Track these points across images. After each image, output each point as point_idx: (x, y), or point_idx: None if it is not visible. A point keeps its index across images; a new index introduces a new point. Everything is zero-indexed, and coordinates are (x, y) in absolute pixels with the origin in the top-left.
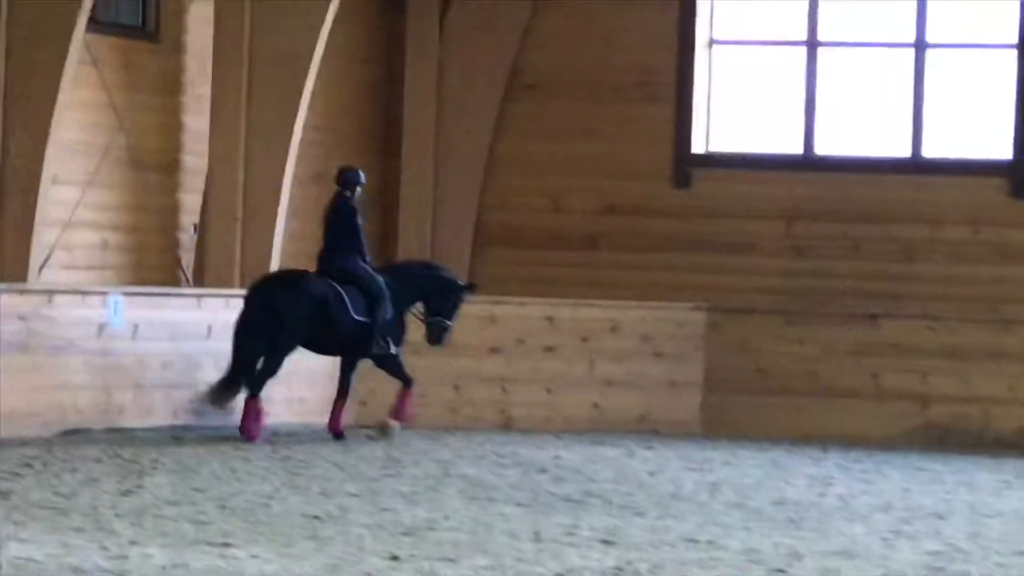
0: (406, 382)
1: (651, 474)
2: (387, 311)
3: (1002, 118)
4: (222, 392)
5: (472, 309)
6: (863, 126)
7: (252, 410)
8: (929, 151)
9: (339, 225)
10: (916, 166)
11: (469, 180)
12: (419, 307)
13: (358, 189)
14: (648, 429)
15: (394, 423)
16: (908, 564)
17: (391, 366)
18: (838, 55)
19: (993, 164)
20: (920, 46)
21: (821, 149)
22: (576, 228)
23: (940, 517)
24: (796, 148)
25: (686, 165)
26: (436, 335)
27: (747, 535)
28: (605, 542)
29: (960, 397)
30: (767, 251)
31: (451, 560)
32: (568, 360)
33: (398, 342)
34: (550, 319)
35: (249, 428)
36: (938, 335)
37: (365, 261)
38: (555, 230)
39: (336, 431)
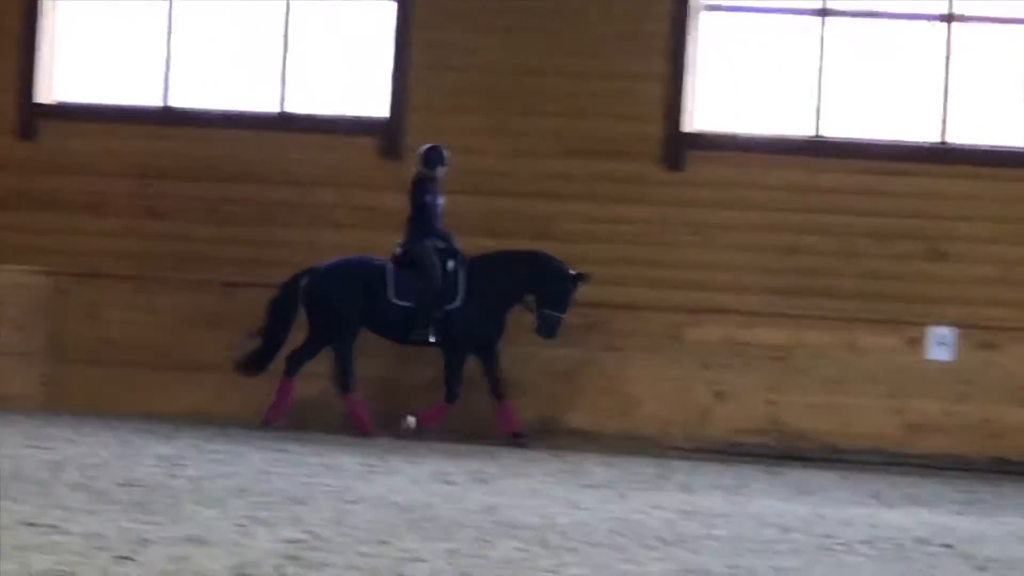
0: (496, 390)
1: None
2: (449, 297)
3: (376, 74)
4: (250, 363)
5: None
6: (226, 79)
7: (282, 392)
8: (297, 107)
9: (411, 204)
10: (283, 123)
11: None
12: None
13: (438, 168)
14: None
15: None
16: (264, 552)
17: (486, 366)
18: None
19: (365, 123)
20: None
21: (177, 101)
22: None
23: (300, 502)
24: (155, 100)
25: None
26: (548, 327)
27: (91, 519)
28: None
29: (323, 374)
30: (118, 211)
31: None
32: None
33: (494, 335)
34: None
35: (272, 410)
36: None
37: (428, 237)
38: None
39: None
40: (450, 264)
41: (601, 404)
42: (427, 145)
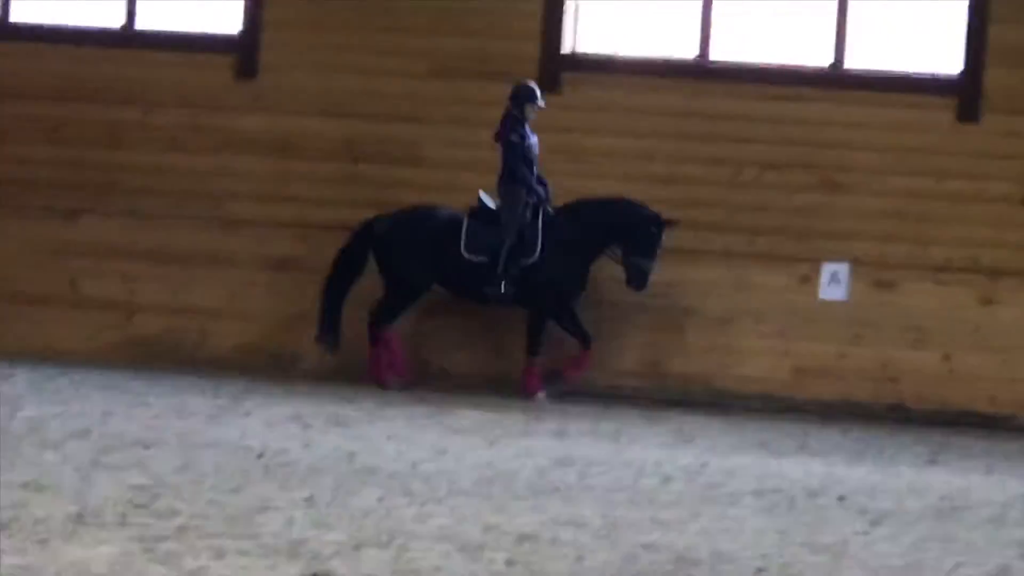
0: (583, 339)
1: None
2: (525, 248)
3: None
4: (319, 332)
5: None
6: None
7: (376, 354)
8: (145, 24)
9: (502, 147)
10: (129, 39)
11: None
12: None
13: (527, 106)
14: None
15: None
16: (107, 500)
17: (563, 324)
18: None
19: (217, 40)
20: None
21: (18, 16)
22: None
23: (146, 446)
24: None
25: None
26: (637, 278)
27: None
28: None
29: (171, 308)
30: None
31: None
32: None
33: (575, 288)
34: None
35: (377, 374)
36: (147, 235)
37: (517, 182)
38: None
39: (529, 391)
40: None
41: (474, 346)
42: (517, 81)
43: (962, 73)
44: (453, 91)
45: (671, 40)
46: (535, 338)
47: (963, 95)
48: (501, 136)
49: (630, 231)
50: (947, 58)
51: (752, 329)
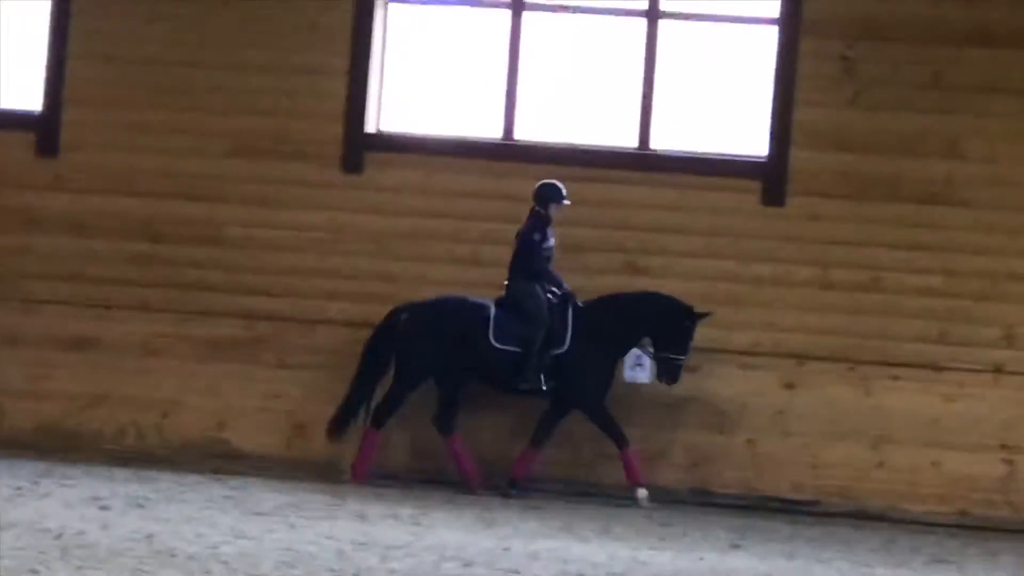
0: (617, 441)
1: None
2: (553, 339)
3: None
4: (338, 421)
5: None
6: None
7: (367, 445)
8: None
9: (517, 241)
10: None
11: None
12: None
13: (551, 206)
14: None
15: (640, 491)
16: None
17: (596, 420)
18: None
19: (17, 116)
20: None
21: None
22: None
23: None
24: None
25: None
26: (668, 372)
27: None
28: None
29: None
30: None
31: None
32: None
33: (606, 380)
34: None
35: (357, 466)
36: None
37: (541, 281)
38: None
39: (515, 477)
40: (558, 307)
41: (270, 425)
42: (542, 181)
43: (768, 156)
44: (254, 170)
45: (476, 120)
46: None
47: (768, 178)
48: (522, 234)
49: (664, 325)
50: (753, 141)
51: None
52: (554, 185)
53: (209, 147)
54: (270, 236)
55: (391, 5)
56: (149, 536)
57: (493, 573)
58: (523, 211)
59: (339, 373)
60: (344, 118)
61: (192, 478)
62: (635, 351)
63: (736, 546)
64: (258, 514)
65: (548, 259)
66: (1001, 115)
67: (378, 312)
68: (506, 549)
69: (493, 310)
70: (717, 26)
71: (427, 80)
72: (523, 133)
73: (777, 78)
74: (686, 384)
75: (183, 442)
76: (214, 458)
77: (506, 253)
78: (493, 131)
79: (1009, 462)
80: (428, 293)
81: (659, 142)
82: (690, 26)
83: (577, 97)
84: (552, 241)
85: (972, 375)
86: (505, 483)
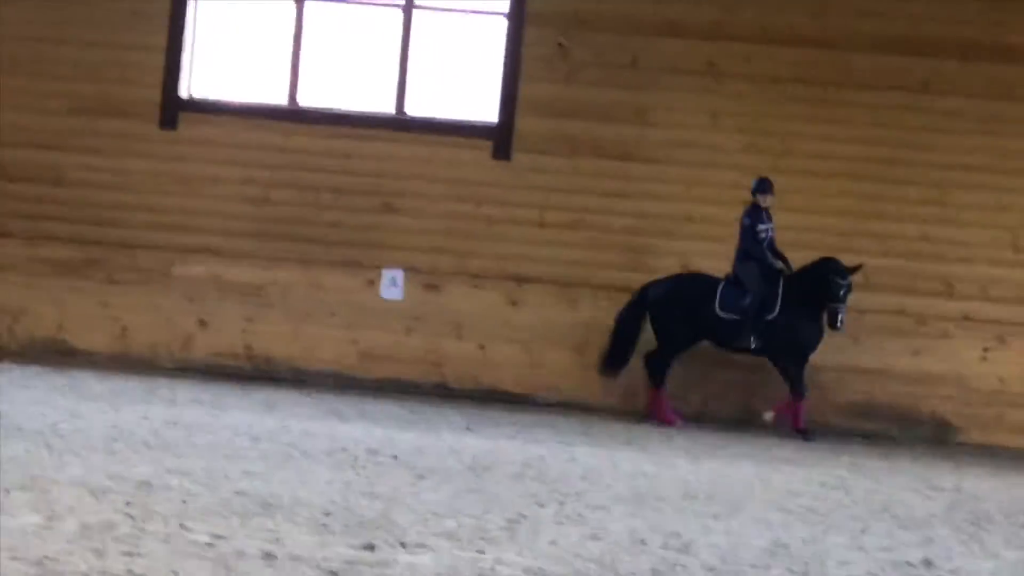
0: (796, 392)
1: None
2: (765, 307)
3: None
4: (603, 367)
5: None
6: None
7: (657, 399)
8: None
9: (739, 229)
10: None
11: None
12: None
13: (758, 196)
14: None
15: (769, 414)
16: None
17: (785, 370)
18: None
19: None
20: None
21: None
22: None
23: None
24: None
25: None
26: (831, 319)
27: None
28: None
29: None
30: None
31: None
32: None
33: (809, 340)
34: None
35: (659, 416)
36: None
37: (755, 260)
38: None
39: (798, 428)
40: (770, 279)
41: (100, 329)
42: (758, 176)
43: (498, 121)
44: (88, 126)
45: (268, 88)
46: (794, 382)
47: (498, 138)
48: (742, 220)
49: (829, 280)
50: (487, 109)
51: (326, 321)
52: (765, 179)
53: (52, 107)
54: (101, 178)
55: None
56: (0, 415)
57: (276, 446)
58: (303, 161)
59: (155, 287)
60: (162, 85)
61: (36, 369)
62: (390, 273)
63: (469, 429)
64: (89, 399)
65: (764, 240)
66: (683, 91)
67: (183, 239)
68: (286, 428)
69: (721, 285)
70: (460, 16)
71: (230, 55)
72: (304, 99)
73: (506, 59)
74: (430, 299)
75: (30, 341)
76: (55, 354)
77: (288, 195)
78: (281, 97)
79: None
80: (229, 226)
81: (412, 108)
82: (438, 15)
83: (347, 70)
84: (768, 224)
85: None
86: (800, 437)
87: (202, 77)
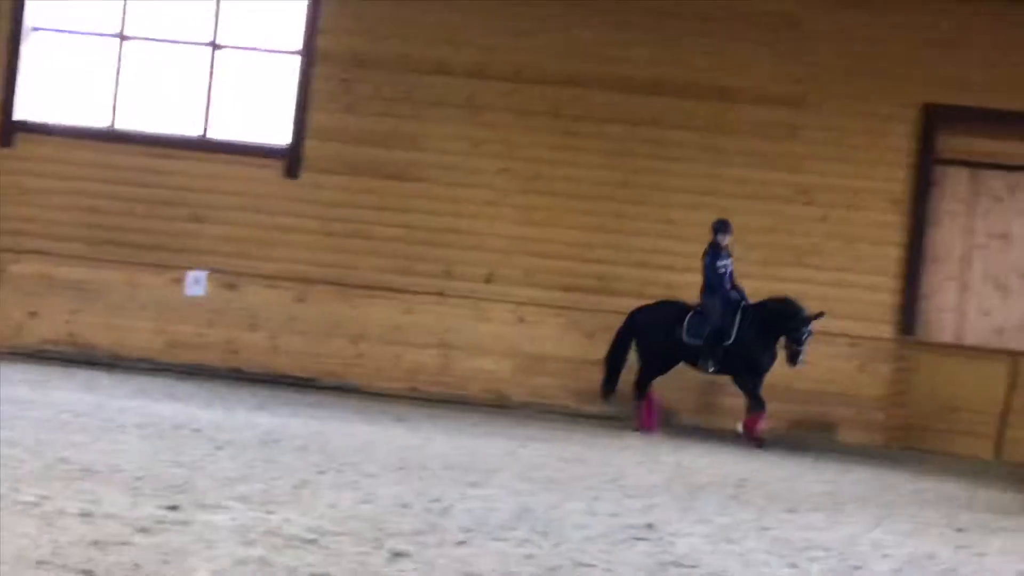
0: (754, 404)
1: None
2: (723, 335)
3: None
4: (601, 389)
5: None
6: None
7: (641, 409)
8: None
9: (703, 264)
10: None
11: None
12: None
13: (718, 235)
14: None
15: (739, 424)
16: None
17: (742, 387)
18: None
19: None
20: None
21: None
22: None
23: None
24: None
25: None
26: (792, 358)
27: None
28: None
29: None
30: None
31: None
32: None
33: (762, 362)
34: None
35: (642, 423)
36: None
37: (716, 292)
38: None
39: (751, 437)
40: (729, 310)
41: None
42: (717, 218)
43: (289, 144)
44: None
45: (93, 112)
46: (751, 398)
47: (289, 159)
48: (704, 259)
49: (787, 323)
50: (280, 134)
51: (139, 314)
52: (725, 221)
53: None
54: None
55: (33, 33)
56: None
57: (95, 420)
58: (122, 176)
59: None
60: (1, 108)
61: None
62: (194, 274)
63: (260, 407)
64: None
65: (723, 275)
66: (448, 121)
67: (18, 242)
68: (102, 406)
69: (690, 314)
70: (260, 54)
71: (59, 83)
72: (123, 123)
73: (298, 91)
74: (229, 296)
75: None
76: None
77: (117, 206)
78: (104, 120)
79: (444, 355)
80: (58, 232)
81: (215, 132)
82: (241, 54)
83: (161, 98)
84: (727, 260)
85: (422, 296)
86: (754, 445)
87: (35, 102)
